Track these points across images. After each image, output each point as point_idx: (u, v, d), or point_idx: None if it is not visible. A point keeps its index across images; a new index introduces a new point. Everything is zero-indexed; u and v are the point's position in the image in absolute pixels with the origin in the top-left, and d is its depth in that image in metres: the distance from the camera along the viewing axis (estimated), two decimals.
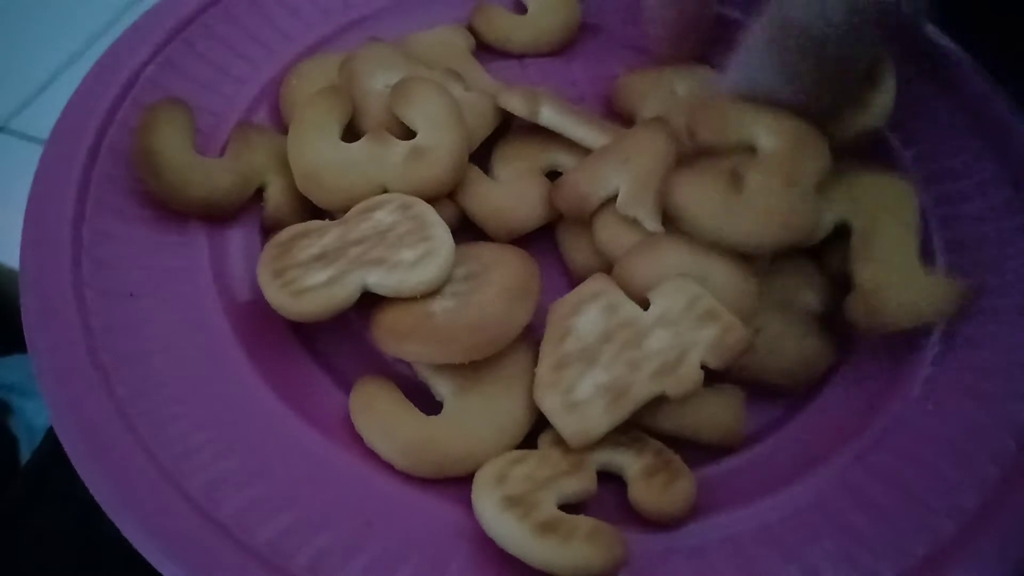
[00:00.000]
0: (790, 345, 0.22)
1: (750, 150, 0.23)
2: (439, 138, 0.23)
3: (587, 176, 0.23)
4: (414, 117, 0.24)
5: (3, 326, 0.61)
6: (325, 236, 0.22)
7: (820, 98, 0.23)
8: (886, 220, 0.23)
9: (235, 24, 0.26)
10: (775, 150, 0.22)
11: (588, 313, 0.21)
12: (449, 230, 0.22)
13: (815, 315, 0.23)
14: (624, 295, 0.21)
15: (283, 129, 0.25)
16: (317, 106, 0.24)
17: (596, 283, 0.21)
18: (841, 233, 0.23)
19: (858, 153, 0.24)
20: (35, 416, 0.57)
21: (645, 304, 0.21)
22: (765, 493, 0.20)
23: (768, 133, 0.23)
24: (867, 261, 0.22)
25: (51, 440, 0.29)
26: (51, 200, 0.21)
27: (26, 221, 0.21)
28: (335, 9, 0.28)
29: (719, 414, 0.21)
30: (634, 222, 0.22)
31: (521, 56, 0.29)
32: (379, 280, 0.21)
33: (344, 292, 0.21)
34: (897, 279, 0.22)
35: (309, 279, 0.21)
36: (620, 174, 0.23)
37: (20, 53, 0.99)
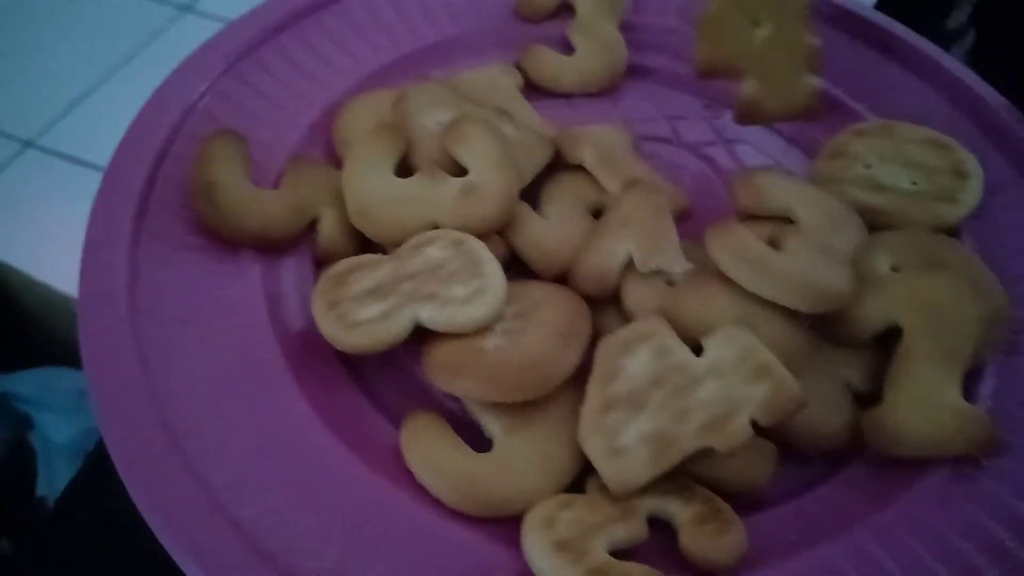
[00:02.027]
0: (822, 413, 0.22)
1: (787, 220, 0.23)
2: (490, 176, 0.24)
3: (595, 254, 0.23)
4: (466, 155, 0.24)
5: (25, 340, 0.61)
6: (378, 270, 0.22)
7: None
8: (938, 334, 0.22)
9: (288, 59, 0.27)
10: (811, 221, 0.23)
11: (639, 354, 0.21)
12: (500, 268, 0.22)
13: (854, 391, 0.22)
14: (677, 339, 0.21)
15: (335, 162, 0.26)
16: (372, 143, 0.24)
17: (649, 323, 0.21)
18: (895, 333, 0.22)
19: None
20: (53, 430, 0.57)
21: (695, 345, 0.21)
22: (805, 548, 0.20)
23: (805, 205, 0.23)
24: (901, 376, 0.21)
25: (88, 464, 0.29)
26: (109, 229, 0.22)
27: (85, 250, 0.21)
28: (385, 47, 0.28)
29: (750, 466, 0.21)
30: (658, 276, 0.22)
31: (568, 95, 0.29)
32: (431, 315, 0.21)
33: (397, 326, 0.21)
34: (925, 403, 0.21)
35: (363, 312, 0.21)
36: (625, 239, 0.23)
37: (52, 70, 1.01)
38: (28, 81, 1.03)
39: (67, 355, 0.60)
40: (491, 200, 0.23)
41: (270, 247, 0.23)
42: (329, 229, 0.24)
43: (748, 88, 0.26)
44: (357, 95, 0.27)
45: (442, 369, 0.20)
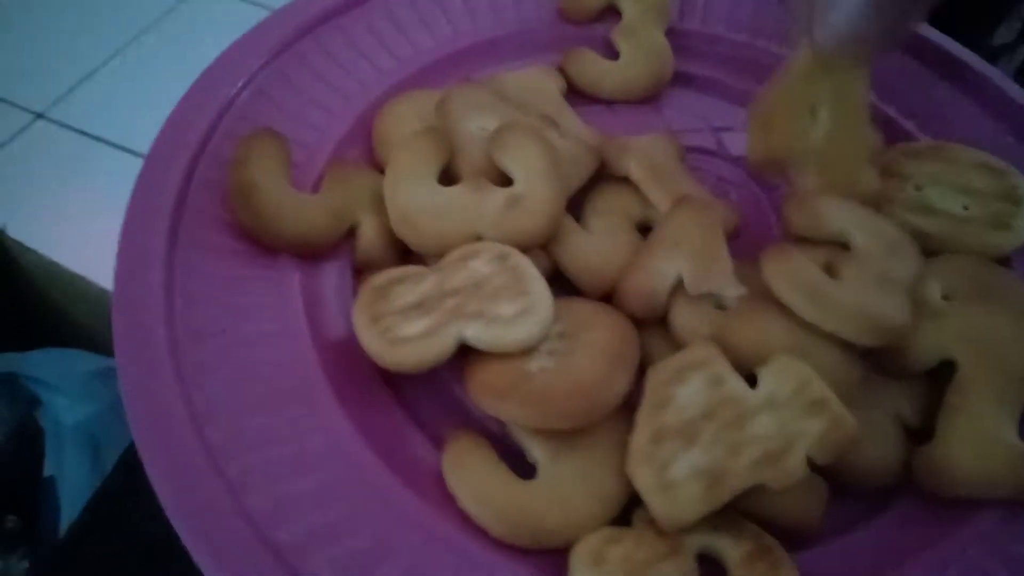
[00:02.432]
0: (874, 448, 0.21)
1: (842, 246, 0.23)
2: (536, 188, 0.23)
3: (645, 274, 0.22)
4: (512, 165, 0.23)
5: (34, 319, 0.61)
6: (422, 283, 0.21)
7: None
8: (993, 372, 0.21)
9: (328, 56, 0.26)
10: (868, 249, 0.22)
11: (691, 383, 0.20)
12: (547, 285, 0.21)
13: (906, 427, 0.22)
14: (730, 368, 0.20)
15: (374, 164, 0.25)
16: (415, 149, 0.23)
17: (702, 350, 0.20)
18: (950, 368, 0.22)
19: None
20: (64, 413, 0.57)
21: (747, 374, 0.20)
22: None
23: (861, 231, 0.22)
24: (954, 413, 0.21)
25: (116, 476, 0.29)
26: (144, 232, 0.21)
27: (119, 255, 0.21)
28: (425, 46, 0.28)
29: (801, 502, 0.20)
30: (709, 299, 0.22)
31: (610, 102, 0.28)
32: (476, 334, 0.20)
33: (441, 345, 0.20)
34: (979, 443, 0.20)
35: (406, 328, 0.20)
36: (676, 260, 0.22)
37: (65, 42, 1.00)
38: (40, 53, 1.02)
39: (78, 336, 0.60)
40: (537, 213, 0.23)
41: (309, 253, 0.22)
42: (369, 236, 0.23)
43: (806, 183, 0.24)
44: (398, 95, 0.26)
45: (487, 392, 0.20)
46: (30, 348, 0.59)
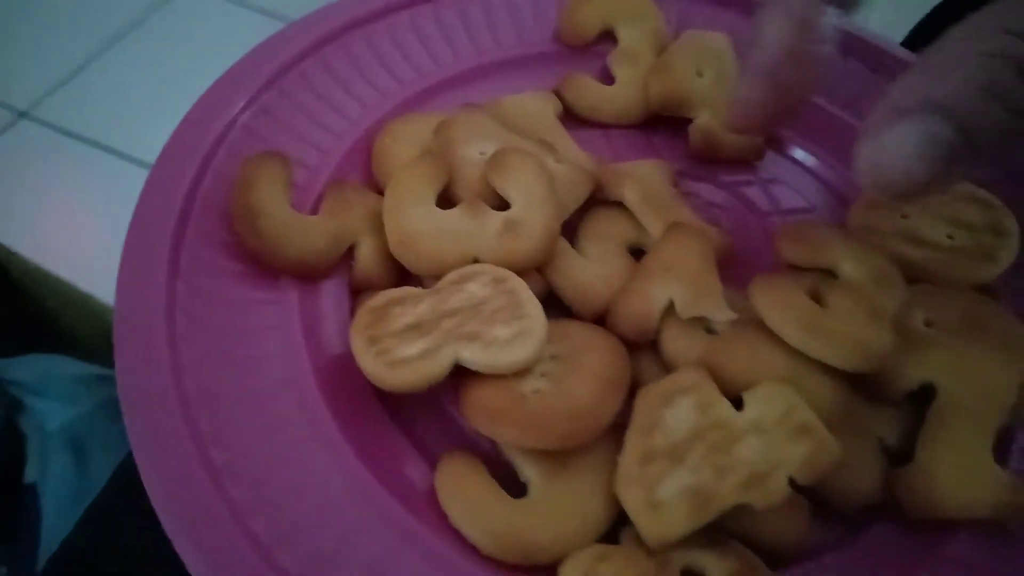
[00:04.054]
0: (856, 470, 0.21)
1: (830, 274, 0.23)
2: (533, 213, 0.23)
3: (637, 298, 0.23)
4: (509, 189, 0.24)
5: (21, 325, 0.60)
6: (419, 305, 0.22)
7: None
8: (974, 398, 0.22)
9: (331, 75, 0.27)
10: (856, 278, 0.23)
11: (680, 406, 0.21)
12: (542, 309, 0.22)
13: (887, 450, 0.22)
14: (718, 393, 0.21)
15: (373, 185, 0.25)
16: (414, 172, 0.24)
17: (691, 375, 0.21)
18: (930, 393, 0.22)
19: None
20: (47, 418, 0.56)
21: (735, 398, 0.21)
22: None
23: (851, 261, 0.23)
24: (935, 437, 0.21)
25: (114, 487, 0.29)
26: (146, 254, 0.21)
27: (120, 273, 0.21)
28: (426, 68, 0.28)
29: (785, 521, 0.21)
30: (699, 323, 0.22)
31: (605, 126, 0.29)
32: (473, 356, 0.21)
33: (438, 366, 0.20)
34: (959, 466, 0.21)
35: (403, 350, 0.21)
36: (668, 284, 0.23)
37: (50, 40, 0.99)
38: (24, 51, 1.01)
39: (62, 340, 0.59)
40: (533, 237, 0.23)
41: (310, 274, 0.23)
42: (367, 257, 0.23)
43: (701, 119, 0.28)
44: (397, 117, 0.26)
45: (482, 414, 0.20)
46: (12, 353, 0.58)
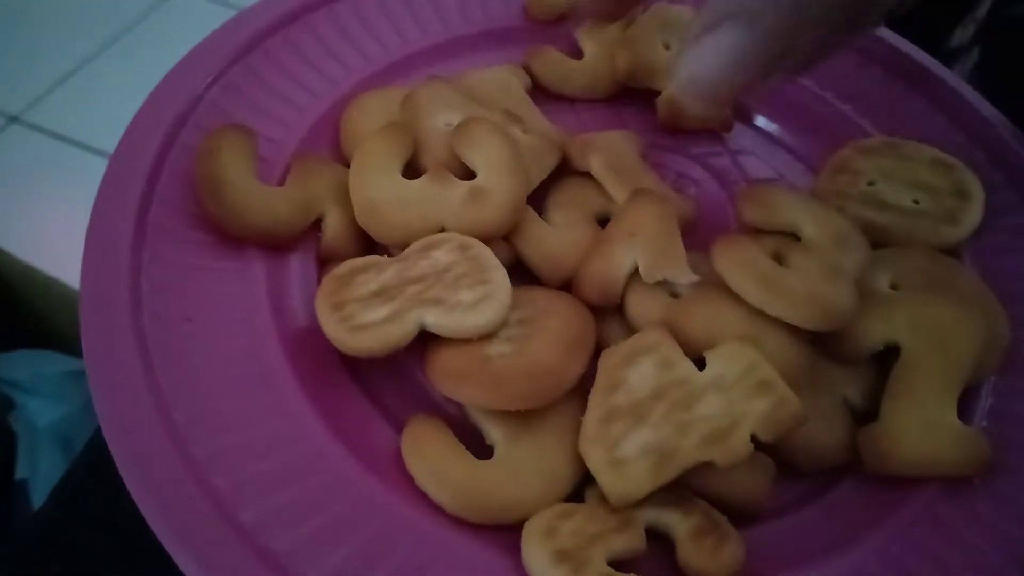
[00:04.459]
0: (820, 429, 0.22)
1: (793, 236, 0.23)
2: (498, 181, 0.24)
3: (601, 263, 0.23)
4: (475, 158, 0.24)
5: (10, 321, 0.61)
6: (384, 272, 0.22)
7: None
8: (937, 356, 0.22)
9: (297, 52, 0.27)
10: (817, 240, 0.23)
11: (641, 366, 0.21)
12: (506, 274, 0.22)
13: (852, 409, 0.23)
14: (680, 351, 0.21)
15: (341, 160, 0.25)
16: (380, 142, 0.24)
17: (653, 335, 0.21)
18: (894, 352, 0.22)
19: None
20: (37, 415, 0.56)
21: (699, 359, 0.21)
22: (807, 561, 0.20)
23: (812, 223, 0.23)
24: (899, 395, 0.22)
25: (84, 461, 0.29)
26: (112, 223, 0.21)
27: (87, 244, 0.21)
28: (392, 44, 0.28)
29: (749, 480, 0.21)
30: (663, 287, 0.23)
31: (573, 100, 0.29)
32: (437, 320, 0.21)
33: (401, 330, 0.21)
34: (922, 423, 0.21)
35: (367, 315, 0.21)
36: (632, 249, 0.23)
37: (41, 44, 1.00)
38: (16, 55, 1.01)
39: (53, 339, 0.59)
40: (499, 205, 0.23)
41: (275, 244, 0.23)
42: (334, 228, 0.24)
43: (668, 91, 0.28)
44: (365, 92, 0.27)
45: (447, 376, 0.20)
46: (3, 350, 0.58)
